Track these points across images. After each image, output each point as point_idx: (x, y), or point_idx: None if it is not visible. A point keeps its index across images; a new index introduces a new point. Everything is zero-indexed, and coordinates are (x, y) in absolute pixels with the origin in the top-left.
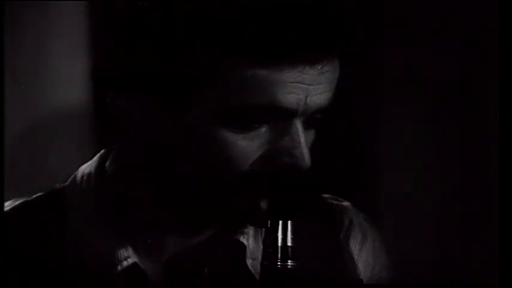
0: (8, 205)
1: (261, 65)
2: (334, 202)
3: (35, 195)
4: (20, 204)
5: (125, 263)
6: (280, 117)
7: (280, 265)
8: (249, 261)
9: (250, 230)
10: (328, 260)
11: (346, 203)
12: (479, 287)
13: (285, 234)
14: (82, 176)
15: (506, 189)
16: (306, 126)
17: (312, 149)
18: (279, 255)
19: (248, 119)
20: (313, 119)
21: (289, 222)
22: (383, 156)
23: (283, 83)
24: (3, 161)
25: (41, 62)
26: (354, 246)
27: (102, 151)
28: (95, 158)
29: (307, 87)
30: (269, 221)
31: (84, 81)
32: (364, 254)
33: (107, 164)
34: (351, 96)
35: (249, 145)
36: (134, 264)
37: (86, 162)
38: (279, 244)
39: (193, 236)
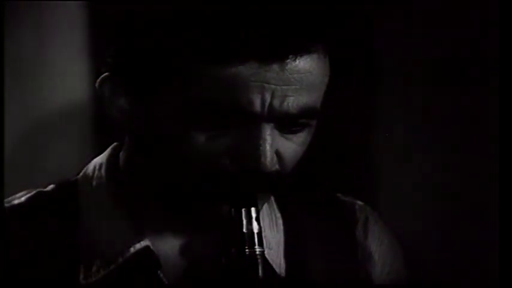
0: (21, 195)
1: (221, 63)
2: (348, 200)
3: (49, 186)
4: (35, 194)
5: (137, 246)
6: (245, 118)
7: (248, 251)
8: (265, 251)
9: (265, 220)
10: (342, 257)
11: (360, 202)
12: (479, 287)
13: (249, 221)
14: (94, 167)
15: (507, 189)
16: (284, 130)
17: (308, 151)
18: (246, 242)
19: (211, 118)
20: (294, 123)
21: (252, 209)
22: (382, 157)
23: (245, 82)
24: (3, 161)
25: (41, 61)
26: (372, 243)
27: (115, 143)
28: (108, 150)
29: (273, 87)
30: (232, 210)
31: (83, 80)
32: (382, 251)
33: (120, 154)
34: (348, 96)
35: (212, 144)
36: (146, 247)
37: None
38: (245, 231)
39: (203, 224)
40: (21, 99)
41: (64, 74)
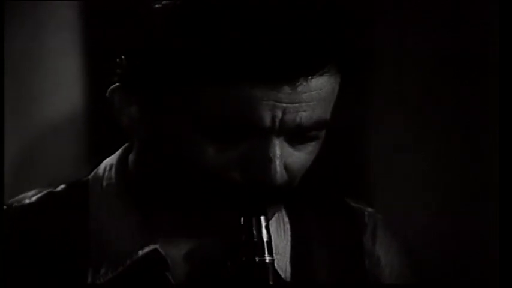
0: (32, 194)
1: (230, 85)
2: (357, 206)
3: (59, 186)
4: (45, 194)
5: (146, 249)
6: (255, 132)
7: (258, 260)
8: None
9: (273, 225)
10: (349, 263)
11: (369, 208)
12: (479, 287)
13: (259, 229)
14: (105, 167)
15: (507, 188)
16: (293, 142)
17: (315, 161)
18: (256, 251)
19: (220, 131)
20: (304, 135)
21: (262, 217)
22: (380, 158)
23: (256, 101)
24: (3, 161)
25: (38, 62)
26: (380, 250)
27: (126, 144)
28: (119, 150)
29: (284, 105)
30: (242, 218)
31: (80, 81)
32: (390, 258)
33: (130, 155)
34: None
35: (221, 156)
36: (155, 250)
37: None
38: (255, 239)
39: (211, 227)
40: (18, 101)
41: (61, 74)
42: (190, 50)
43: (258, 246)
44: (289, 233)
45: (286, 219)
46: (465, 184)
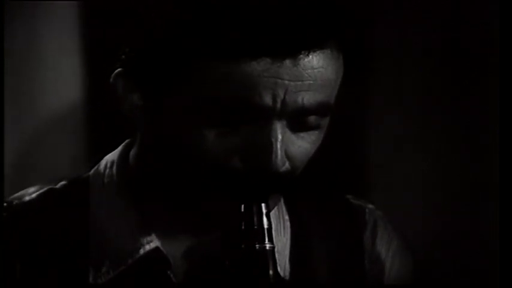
0: (32, 191)
1: (232, 59)
2: (358, 203)
3: (60, 183)
4: (46, 191)
5: (147, 247)
6: (256, 114)
7: (258, 247)
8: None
9: (273, 223)
10: (349, 261)
11: (370, 205)
12: (479, 287)
13: (259, 217)
14: (106, 164)
15: (507, 188)
16: (296, 128)
17: (317, 151)
18: (257, 238)
19: (222, 115)
20: (306, 121)
21: (262, 205)
22: (380, 158)
23: (257, 78)
24: (3, 158)
25: (38, 61)
26: (380, 247)
27: (127, 140)
28: (120, 147)
29: (286, 82)
30: (242, 205)
31: (80, 79)
32: (390, 256)
33: (131, 151)
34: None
35: (222, 141)
36: (156, 248)
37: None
38: (255, 227)
39: (212, 223)
40: (18, 99)
41: (62, 73)
42: (190, 25)
43: (258, 233)
44: (289, 230)
45: (287, 217)
46: (465, 184)
